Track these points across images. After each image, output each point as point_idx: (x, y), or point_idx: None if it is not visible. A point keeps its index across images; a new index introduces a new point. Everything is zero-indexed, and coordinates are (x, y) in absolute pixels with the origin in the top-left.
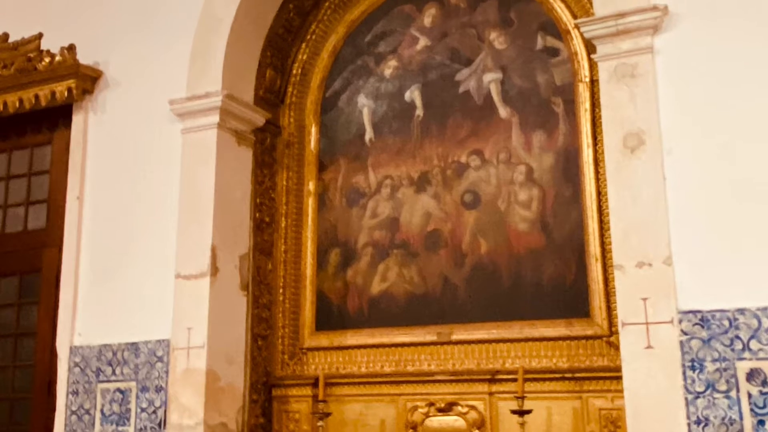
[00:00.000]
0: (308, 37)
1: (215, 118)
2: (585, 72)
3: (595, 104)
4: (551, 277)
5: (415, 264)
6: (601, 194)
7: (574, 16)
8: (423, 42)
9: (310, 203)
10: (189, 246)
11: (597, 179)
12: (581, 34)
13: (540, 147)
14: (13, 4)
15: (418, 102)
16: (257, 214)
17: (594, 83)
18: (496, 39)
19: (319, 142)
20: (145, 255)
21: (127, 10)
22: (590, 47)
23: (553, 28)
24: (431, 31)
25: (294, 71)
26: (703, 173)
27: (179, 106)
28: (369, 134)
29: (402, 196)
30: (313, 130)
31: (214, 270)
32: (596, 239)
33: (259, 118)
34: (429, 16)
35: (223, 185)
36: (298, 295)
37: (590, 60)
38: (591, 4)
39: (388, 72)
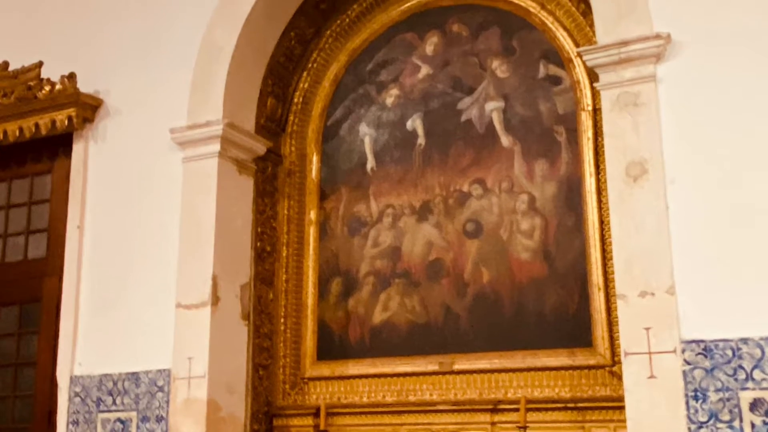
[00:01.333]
0: (309, 65)
1: (216, 146)
2: (587, 100)
3: (597, 133)
4: (554, 307)
5: (417, 293)
6: (603, 223)
7: (577, 45)
8: (425, 70)
9: (312, 232)
10: (190, 275)
11: (600, 208)
12: (584, 63)
13: (542, 176)
14: (14, 33)
15: (420, 131)
16: (258, 243)
17: (597, 112)
18: (499, 67)
19: (321, 170)
20: (146, 284)
21: (127, 38)
22: (593, 76)
23: (555, 56)
24: (433, 59)
25: (295, 100)
26: (706, 202)
27: (180, 135)
28: (370, 163)
29: (404, 225)
30: (315, 159)
31: (215, 299)
32: (599, 268)
33: (261, 147)
34: (431, 44)
35: (224, 214)
36: (299, 325)
37: (593, 88)
38: (593, 32)
39: (389, 100)
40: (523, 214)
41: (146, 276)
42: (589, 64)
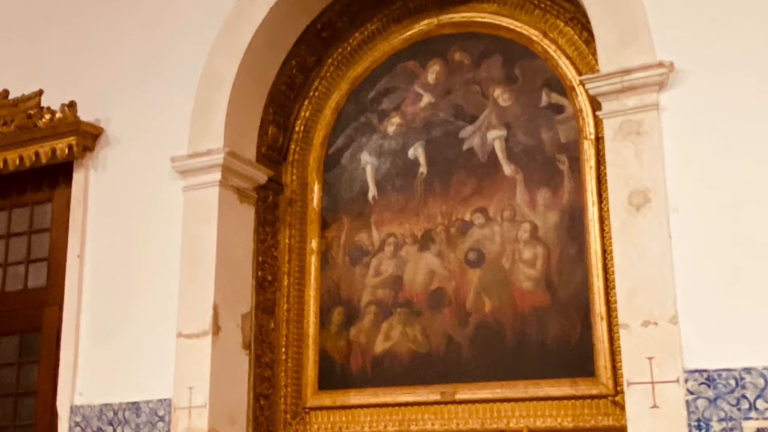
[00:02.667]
0: (311, 93)
1: (217, 175)
2: (590, 129)
3: (600, 161)
4: (556, 336)
5: (419, 323)
6: (606, 252)
7: (579, 73)
8: (427, 99)
9: (313, 261)
10: (190, 304)
11: (602, 237)
12: (586, 91)
13: (545, 205)
14: (14, 61)
15: (422, 159)
16: (259, 273)
17: (599, 140)
18: (501, 96)
19: (322, 199)
20: (147, 313)
21: (128, 66)
22: (595, 104)
23: (557, 84)
24: (435, 87)
25: (296, 128)
26: (709, 231)
27: (181, 164)
28: (372, 192)
29: (405, 254)
30: (316, 188)
31: (216, 329)
32: (601, 298)
33: (262, 176)
34: (433, 72)
35: (225, 243)
36: (300, 354)
37: (595, 117)
38: (596, 60)
39: (391, 129)
40: (526, 243)
41: (147, 305)
42: (591, 92)
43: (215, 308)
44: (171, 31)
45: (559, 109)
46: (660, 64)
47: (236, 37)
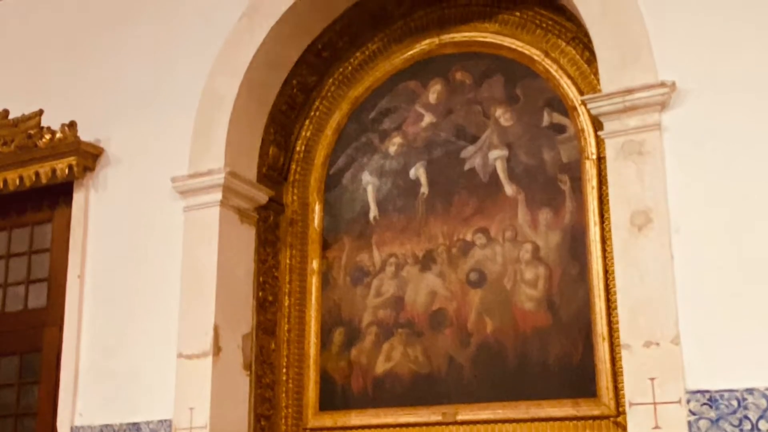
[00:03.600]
0: (312, 113)
1: (218, 195)
2: (592, 149)
3: (602, 181)
4: (558, 357)
5: (420, 343)
6: (608, 273)
7: (581, 93)
8: (428, 119)
9: (314, 282)
10: (191, 325)
11: (604, 257)
12: (588, 111)
13: (546, 225)
14: (14, 81)
15: (423, 179)
16: (260, 293)
17: (601, 160)
18: (502, 115)
19: (323, 219)
20: (147, 334)
21: (128, 87)
22: (597, 124)
23: (559, 104)
24: (436, 107)
25: (297, 148)
26: (711, 252)
27: (181, 184)
28: (373, 212)
29: (406, 274)
30: (317, 208)
31: (217, 350)
32: (603, 318)
33: (263, 196)
34: (434, 92)
35: (226, 263)
36: (301, 375)
37: (597, 137)
38: (598, 80)
39: (392, 149)
40: (527, 263)
41: (147, 326)
42: (593, 112)
43: (216, 329)
44: (171, 52)
45: (560, 128)
46: (662, 84)
47: (237, 58)
